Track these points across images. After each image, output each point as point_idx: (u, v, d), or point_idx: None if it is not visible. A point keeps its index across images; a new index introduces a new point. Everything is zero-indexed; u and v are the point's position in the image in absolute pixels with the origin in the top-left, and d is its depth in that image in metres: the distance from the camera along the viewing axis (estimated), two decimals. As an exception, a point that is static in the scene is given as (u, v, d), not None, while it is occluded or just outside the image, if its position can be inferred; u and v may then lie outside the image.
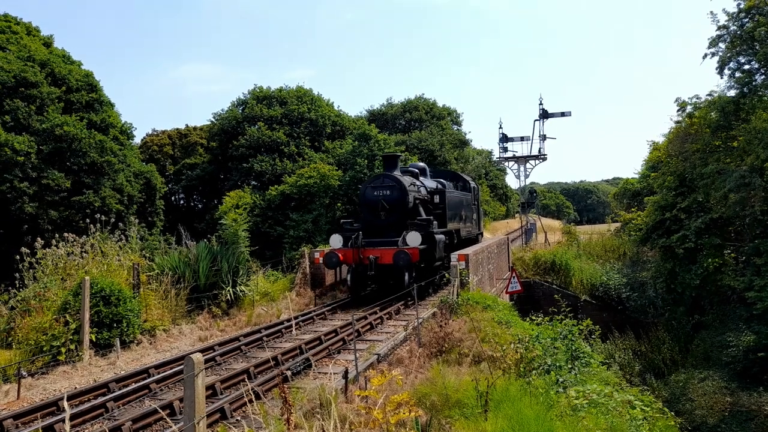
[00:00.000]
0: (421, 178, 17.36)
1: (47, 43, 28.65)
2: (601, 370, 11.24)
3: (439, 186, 18.12)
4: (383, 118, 51.50)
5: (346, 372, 6.60)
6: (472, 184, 22.10)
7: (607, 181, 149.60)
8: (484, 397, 5.40)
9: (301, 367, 8.07)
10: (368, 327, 11.31)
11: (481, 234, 24.53)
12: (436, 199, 16.76)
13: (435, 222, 15.12)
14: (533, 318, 12.18)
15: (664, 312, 24.14)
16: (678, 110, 22.07)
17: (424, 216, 15.30)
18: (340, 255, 14.26)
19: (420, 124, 50.03)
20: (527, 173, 40.89)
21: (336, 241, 14.79)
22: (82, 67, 28.21)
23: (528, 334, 10.05)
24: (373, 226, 15.07)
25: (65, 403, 2.50)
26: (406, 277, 13.61)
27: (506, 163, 44.05)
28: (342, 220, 16.01)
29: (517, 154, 41.32)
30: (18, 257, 12.25)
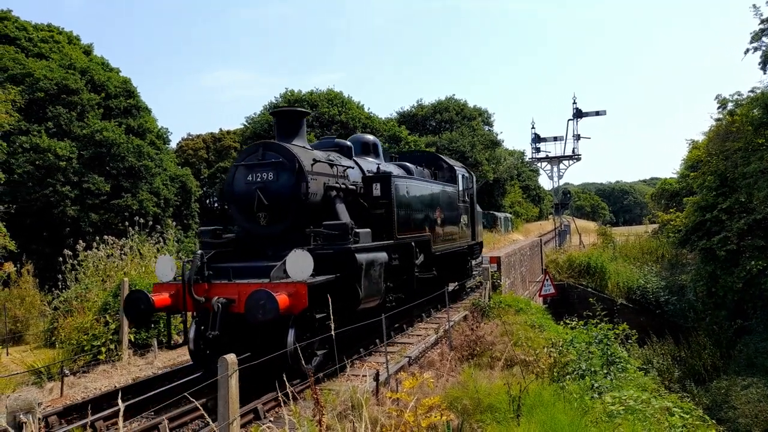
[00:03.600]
0: (359, 158, 10.65)
1: (87, 51, 29.59)
2: (639, 375, 10.97)
3: (390, 171, 10.46)
4: (413, 120, 51.50)
5: (377, 374, 6.60)
6: (462, 172, 14.39)
7: (644, 181, 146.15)
8: (516, 401, 5.34)
9: (334, 369, 8.11)
10: (399, 329, 11.29)
11: (479, 245, 16.11)
12: (376, 190, 9.48)
13: (368, 230, 8.55)
14: (567, 322, 11.98)
15: (704, 316, 23.40)
16: (718, 108, 21.44)
17: (344, 220, 8.42)
18: (155, 297, 7.34)
19: (451, 125, 49.82)
20: (561, 174, 40.30)
21: (165, 267, 7.85)
22: (120, 74, 29.06)
23: (562, 338, 9.89)
24: (251, 237, 8.61)
25: (119, 401, 2.56)
26: (289, 337, 6.94)
27: (539, 164, 43.53)
28: (201, 228, 9.56)
29: (550, 155, 40.76)
30: (61, 259, 12.69)
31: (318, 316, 7.28)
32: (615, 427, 5.90)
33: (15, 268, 14.36)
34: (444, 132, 47.68)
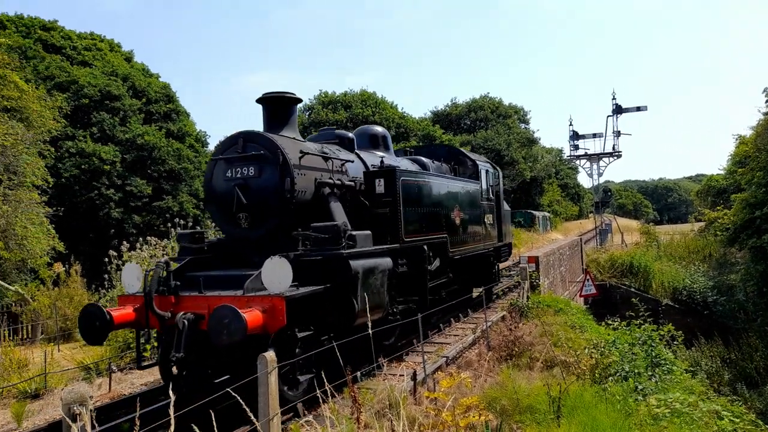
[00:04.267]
0: (364, 152, 9.59)
1: (128, 58, 30.52)
2: (685, 378, 10.58)
3: (395, 164, 9.45)
4: (448, 119, 51.20)
5: (415, 374, 6.57)
6: (485, 167, 12.99)
7: (689, 178, 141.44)
8: (556, 402, 5.21)
9: (372, 368, 8.10)
10: (436, 329, 11.22)
11: (508, 247, 14.68)
12: (380, 186, 8.35)
13: (367, 233, 7.41)
14: (609, 322, 11.67)
15: (755, 317, 22.46)
16: (766, 101, 20.53)
17: (338, 220, 7.26)
18: (116, 312, 6.29)
19: (486, 124, 49.34)
20: (600, 171, 39.41)
21: (131, 276, 6.80)
22: (160, 80, 29.86)
23: (604, 339, 9.64)
24: (234, 242, 7.61)
25: (170, 392, 2.62)
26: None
27: (578, 162, 42.67)
28: (179, 231, 8.95)
29: (589, 152, 39.91)
30: (106, 259, 13.10)
31: (301, 334, 6.19)
32: (660, 430, 5.70)
33: (64, 269, 14.90)
34: (479, 130, 47.23)
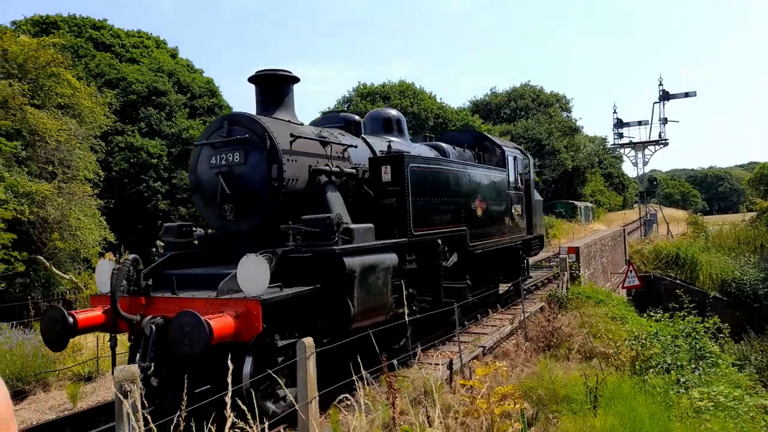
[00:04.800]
0: (374, 137, 8.84)
1: (173, 54, 31.37)
2: (732, 371, 10.29)
3: (415, 151, 9.18)
4: (487, 108, 50.61)
5: (451, 363, 6.64)
6: (513, 154, 12.09)
7: (741, 166, 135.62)
8: (593, 392, 5.19)
9: (407, 357, 8.22)
10: (473, 319, 11.25)
11: (539, 240, 13.72)
12: (386, 174, 7.48)
13: (369, 226, 6.66)
14: (651, 314, 11.44)
15: (810, 311, 21.52)
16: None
17: (335, 211, 6.54)
18: (82, 315, 5.65)
19: (526, 113, 48.54)
20: (646, 160, 38.28)
21: (104, 274, 6.19)
22: (204, 75, 30.59)
23: (645, 331, 9.47)
24: (222, 237, 7.08)
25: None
26: (245, 368, 5.05)
27: (622, 150, 41.54)
28: (165, 224, 7.73)
29: (634, 140, 38.80)
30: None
31: (282, 343, 5.40)
32: (702, 423, 5.61)
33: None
34: (519, 120, 46.52)
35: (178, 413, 2.72)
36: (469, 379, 6.33)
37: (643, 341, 8.35)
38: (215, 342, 4.60)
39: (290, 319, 5.58)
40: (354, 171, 7.54)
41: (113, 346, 5.94)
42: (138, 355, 5.31)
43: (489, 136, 12.33)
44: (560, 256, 14.02)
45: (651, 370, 7.57)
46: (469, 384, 4.46)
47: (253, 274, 5.09)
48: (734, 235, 31.41)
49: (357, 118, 8.69)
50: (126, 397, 2.46)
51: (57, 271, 14.13)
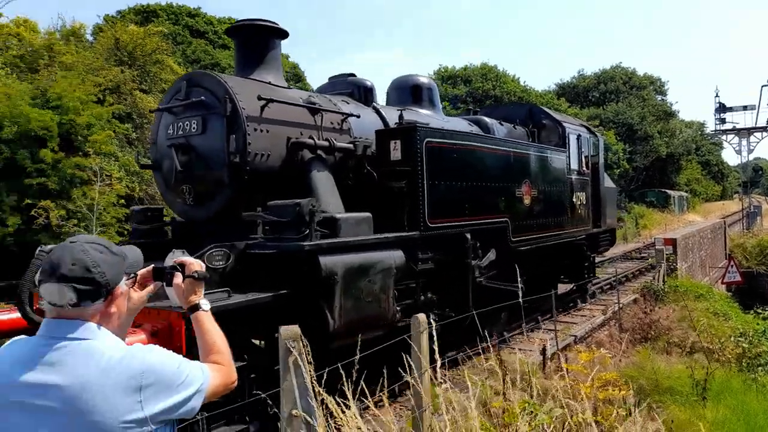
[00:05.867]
0: (384, 107, 7.44)
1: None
2: None
3: (449, 124, 8.01)
4: (574, 91, 48.57)
5: (544, 349, 6.57)
6: (577, 132, 10.39)
7: None
8: (701, 385, 4.99)
9: (496, 342, 8.21)
10: (562, 308, 10.98)
11: (609, 234, 12.07)
12: (395, 151, 6.09)
13: (363, 215, 5.36)
14: (759, 311, 10.71)
15: None
16: None
17: (324, 197, 5.44)
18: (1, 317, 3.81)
19: (617, 96, 46.13)
20: (751, 148, 35.55)
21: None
22: (289, 60, 31.50)
23: (752, 328, 8.92)
24: (187, 221, 5.87)
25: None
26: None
27: (723, 137, 38.77)
28: (133, 207, 7.05)
29: (737, 126, 36.03)
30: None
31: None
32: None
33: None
34: (609, 104, 44.34)
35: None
36: (560, 367, 6.25)
37: (751, 339, 7.90)
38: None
39: (240, 337, 4.14)
40: (351, 146, 6.00)
41: None
42: None
43: (546, 110, 10.66)
44: (656, 247, 13.37)
45: (760, 368, 7.16)
46: (572, 368, 4.43)
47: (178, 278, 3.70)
48: None
49: (369, 83, 7.27)
50: (289, 353, 2.68)
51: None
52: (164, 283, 1.93)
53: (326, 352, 4.40)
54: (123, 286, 1.67)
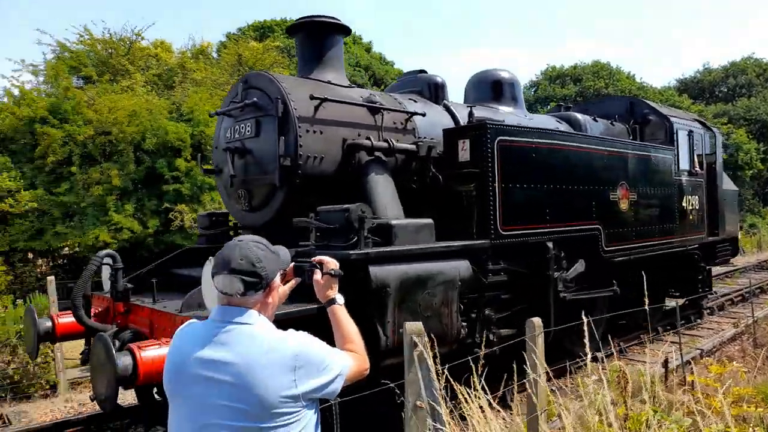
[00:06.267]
0: (456, 104, 6.81)
1: (368, 48, 33.46)
2: None
3: (533, 122, 7.49)
4: (698, 87, 44.91)
5: (666, 361, 6.22)
6: (688, 127, 9.33)
7: None
8: None
9: (610, 352, 7.88)
10: (684, 321, 10.26)
11: (730, 243, 10.91)
12: (463, 152, 5.65)
13: (425, 221, 4.96)
14: None
15: None
16: None
17: (382, 202, 5.07)
18: (63, 320, 4.63)
19: (749, 90, 42.00)
20: None
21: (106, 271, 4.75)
22: (395, 67, 32.13)
23: None
24: (244, 227, 5.83)
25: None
26: None
27: None
28: (198, 213, 7.50)
29: None
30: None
31: None
32: None
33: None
34: (739, 99, 40.49)
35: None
36: (684, 381, 5.86)
37: None
38: (142, 383, 3.33)
39: None
40: (413, 147, 5.63)
41: (84, 361, 4.76)
42: None
43: (650, 103, 9.67)
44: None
45: None
46: (702, 381, 4.18)
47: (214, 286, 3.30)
48: None
49: (439, 79, 6.82)
50: (416, 345, 2.83)
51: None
52: (304, 279, 2.10)
53: (376, 369, 3.68)
54: (278, 280, 1.90)
